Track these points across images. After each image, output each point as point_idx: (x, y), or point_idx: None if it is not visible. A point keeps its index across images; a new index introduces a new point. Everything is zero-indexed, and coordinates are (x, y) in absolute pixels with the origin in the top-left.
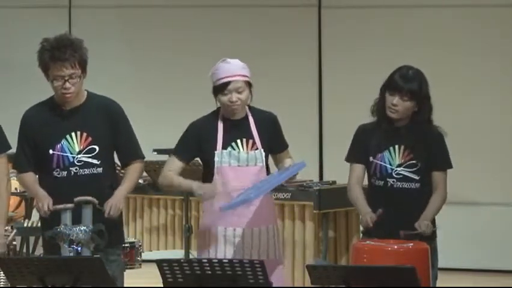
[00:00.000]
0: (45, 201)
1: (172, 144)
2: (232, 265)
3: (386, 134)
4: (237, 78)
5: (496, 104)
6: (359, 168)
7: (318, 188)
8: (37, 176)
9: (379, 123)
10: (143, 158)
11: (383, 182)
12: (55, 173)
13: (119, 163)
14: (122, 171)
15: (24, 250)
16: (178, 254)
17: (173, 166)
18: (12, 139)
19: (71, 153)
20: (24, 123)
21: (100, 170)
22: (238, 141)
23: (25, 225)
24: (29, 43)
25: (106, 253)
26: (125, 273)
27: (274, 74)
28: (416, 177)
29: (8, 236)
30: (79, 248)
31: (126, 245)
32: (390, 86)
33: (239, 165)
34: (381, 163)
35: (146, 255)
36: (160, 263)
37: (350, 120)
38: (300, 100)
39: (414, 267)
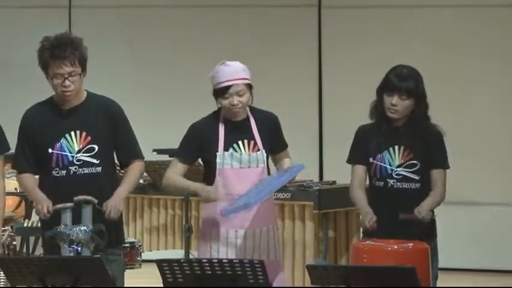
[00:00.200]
0: (44, 203)
1: (172, 144)
2: (232, 265)
3: (385, 135)
4: (237, 81)
5: (496, 104)
6: (360, 169)
7: (318, 188)
8: (37, 177)
9: (378, 125)
10: (143, 158)
11: (383, 182)
12: (54, 173)
13: (118, 163)
14: (122, 171)
15: (24, 250)
16: (178, 254)
17: (177, 169)
18: (12, 139)
19: (70, 152)
20: (24, 122)
21: (99, 169)
22: (240, 142)
23: (25, 225)
24: (29, 43)
25: (106, 253)
26: (125, 273)
27: (274, 74)
28: (416, 177)
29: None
30: (79, 248)
31: (126, 245)
32: (387, 86)
33: (241, 167)
34: (381, 164)
35: (146, 255)
36: (160, 263)
37: (350, 120)
38: (300, 100)
39: (414, 267)
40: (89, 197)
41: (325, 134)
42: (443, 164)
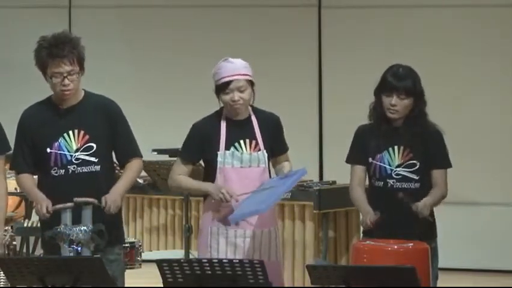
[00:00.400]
0: (43, 203)
1: (172, 144)
2: (232, 265)
3: (384, 135)
4: (238, 77)
5: (496, 104)
6: (359, 169)
7: (318, 188)
8: (36, 177)
9: (378, 126)
10: (141, 156)
11: (382, 182)
12: (53, 172)
13: (117, 162)
14: (122, 171)
15: (24, 250)
16: (178, 254)
17: (181, 169)
18: (12, 139)
19: (69, 151)
20: (22, 122)
21: (97, 168)
22: (241, 141)
23: (25, 225)
24: (29, 43)
25: (106, 252)
26: (125, 273)
27: (274, 74)
28: (416, 177)
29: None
30: (79, 248)
31: (126, 245)
32: (385, 87)
33: (242, 167)
34: (381, 164)
35: (146, 255)
36: (160, 263)
37: (350, 120)
38: (300, 100)
39: (414, 267)
40: (89, 199)
41: (325, 134)
42: (444, 164)
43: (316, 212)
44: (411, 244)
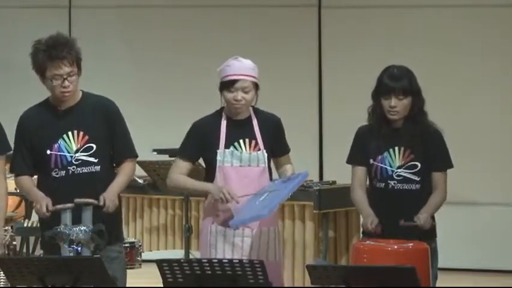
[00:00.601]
0: (43, 202)
1: (172, 144)
2: (232, 265)
3: (385, 136)
4: (245, 77)
5: (496, 104)
6: (360, 170)
7: (318, 188)
8: (36, 177)
9: (378, 129)
10: (136, 156)
11: (383, 184)
12: (54, 174)
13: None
14: (117, 169)
15: (24, 250)
16: (178, 254)
17: (181, 168)
18: (12, 139)
19: (69, 153)
20: (21, 125)
21: (97, 168)
22: (241, 141)
23: (25, 225)
24: (29, 43)
25: (107, 250)
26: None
27: (274, 74)
28: (417, 179)
29: (5, 235)
30: (79, 248)
31: (126, 245)
32: (382, 90)
33: (241, 166)
34: (382, 165)
35: (146, 255)
36: (160, 263)
37: (350, 120)
38: (300, 100)
39: (414, 267)
40: (90, 200)
41: (325, 134)
42: (444, 166)
43: (316, 212)
44: (411, 244)
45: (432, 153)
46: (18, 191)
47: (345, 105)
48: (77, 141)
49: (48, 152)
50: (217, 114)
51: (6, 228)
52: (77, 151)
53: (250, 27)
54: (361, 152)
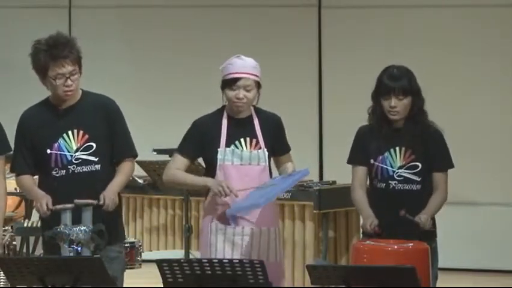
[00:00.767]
0: (43, 200)
1: (172, 144)
2: (232, 265)
3: (385, 136)
4: (247, 75)
5: (496, 104)
6: (361, 170)
7: (318, 188)
8: (36, 177)
9: (379, 129)
10: (136, 155)
11: (384, 184)
12: (54, 173)
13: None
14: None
15: (24, 250)
16: (178, 254)
17: (178, 164)
18: (12, 139)
19: (69, 152)
20: (21, 124)
21: (97, 167)
22: (242, 139)
23: (25, 225)
24: (29, 43)
25: (107, 250)
26: (125, 273)
27: (274, 74)
28: (418, 179)
29: (4, 236)
30: (79, 248)
31: (126, 245)
32: (382, 90)
33: (242, 164)
34: (382, 165)
35: (146, 255)
36: (160, 263)
37: (350, 120)
38: (300, 100)
39: (414, 267)
40: (90, 200)
41: (325, 134)
42: (445, 166)
43: (316, 212)
44: (411, 244)
45: (432, 153)
46: (18, 190)
47: (345, 105)
48: (77, 140)
49: (48, 151)
50: (219, 113)
51: (6, 228)
52: (77, 150)
53: (250, 27)
54: (361, 152)
